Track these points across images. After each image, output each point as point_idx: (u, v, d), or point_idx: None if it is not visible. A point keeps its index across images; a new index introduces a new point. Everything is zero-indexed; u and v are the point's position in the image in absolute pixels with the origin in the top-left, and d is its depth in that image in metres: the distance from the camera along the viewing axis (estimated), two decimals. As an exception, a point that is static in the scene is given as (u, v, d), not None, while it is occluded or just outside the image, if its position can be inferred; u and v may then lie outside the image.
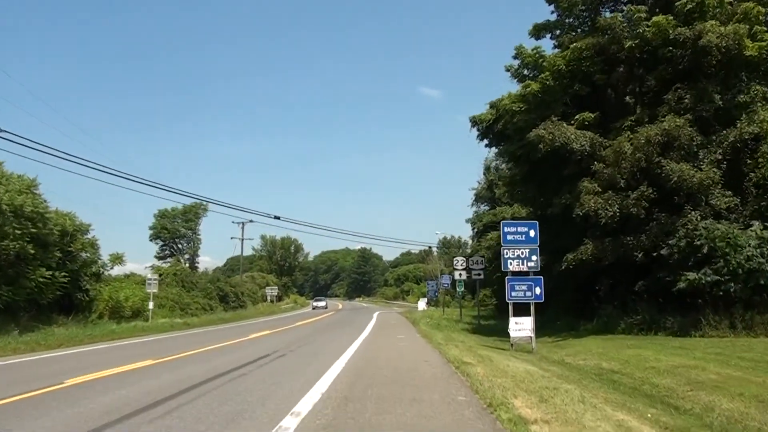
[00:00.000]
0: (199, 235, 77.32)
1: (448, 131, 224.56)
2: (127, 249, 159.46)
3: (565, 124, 22.64)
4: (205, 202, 76.36)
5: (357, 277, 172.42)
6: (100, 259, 35.94)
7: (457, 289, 33.69)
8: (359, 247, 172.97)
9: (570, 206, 22.80)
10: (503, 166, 38.09)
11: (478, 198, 60.70)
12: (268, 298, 75.92)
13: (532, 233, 17.75)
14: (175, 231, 75.71)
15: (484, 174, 53.58)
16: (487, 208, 50.03)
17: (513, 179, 30.74)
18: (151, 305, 35.35)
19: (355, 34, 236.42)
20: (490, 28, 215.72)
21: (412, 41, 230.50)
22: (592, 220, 21.39)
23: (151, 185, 32.90)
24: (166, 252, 77.58)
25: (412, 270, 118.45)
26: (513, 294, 17.65)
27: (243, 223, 71.14)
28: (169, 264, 67.21)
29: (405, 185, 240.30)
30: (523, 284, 17.64)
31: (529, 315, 17.71)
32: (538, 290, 17.62)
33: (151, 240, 76.23)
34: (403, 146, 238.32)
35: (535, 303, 17.77)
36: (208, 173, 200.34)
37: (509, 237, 17.74)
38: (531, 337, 17.62)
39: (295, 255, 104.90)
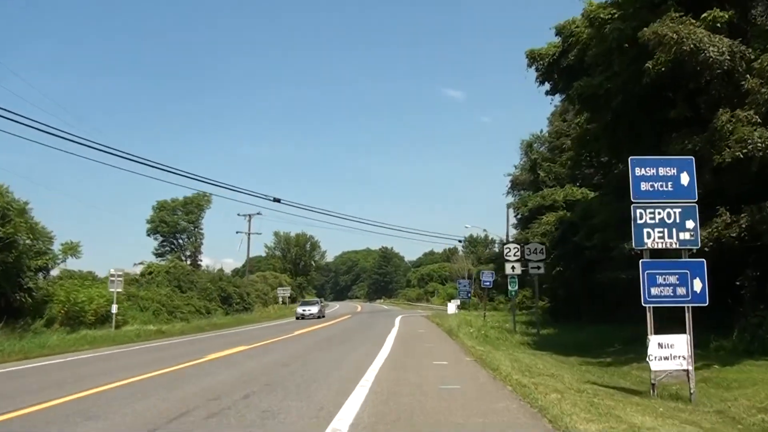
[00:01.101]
0: (201, 229, 69.91)
1: (472, 131, 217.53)
2: (126, 246, 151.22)
3: (692, 20, 14.40)
4: (208, 193, 69.32)
5: (378, 277, 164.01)
6: (50, 250, 28.87)
7: (510, 288, 25.11)
8: (380, 246, 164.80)
9: (700, 155, 14.59)
10: (571, 119, 29.81)
11: (515, 184, 52.52)
12: (280, 299, 67.94)
13: (684, 179, 9.55)
14: (175, 224, 68.36)
15: (525, 153, 45.32)
16: (528, 194, 41.50)
17: (583, 138, 22.40)
18: (114, 308, 27.96)
19: (374, 37, 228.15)
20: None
21: (434, 42, 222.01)
22: (752, 167, 13.10)
23: (147, 164, 24.70)
24: (166, 248, 70.37)
25: (436, 269, 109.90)
26: (653, 292, 9.46)
27: (249, 216, 63.34)
28: (166, 261, 60.01)
29: (428, 186, 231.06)
30: (671, 273, 9.45)
31: (681, 330, 9.51)
32: (698, 284, 9.45)
33: (148, 235, 69.07)
34: (426, 147, 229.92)
35: (692, 308, 9.58)
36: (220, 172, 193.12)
37: (644, 187, 9.54)
38: (688, 371, 9.40)
39: (311, 253, 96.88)
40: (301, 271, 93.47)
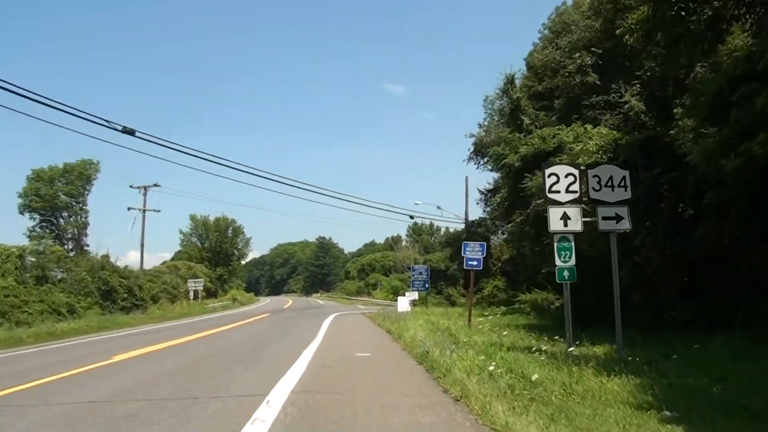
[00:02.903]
0: (85, 206, 55.69)
1: (414, 125, 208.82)
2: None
3: None
4: (95, 161, 55.46)
5: (315, 269, 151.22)
6: None
7: (561, 262, 10.26)
8: (317, 237, 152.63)
9: None
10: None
11: (480, 147, 40.94)
12: (191, 293, 54.50)
13: None
14: (53, 199, 53.97)
15: (504, 94, 33.48)
16: (518, 136, 28.35)
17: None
18: None
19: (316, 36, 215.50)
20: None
21: (378, 39, 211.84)
22: None
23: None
24: (47, 230, 55.75)
25: (378, 259, 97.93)
26: None
27: (145, 188, 49.70)
28: (31, 243, 45.53)
29: (373, 180, 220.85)
30: None
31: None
32: None
33: (21, 212, 54.29)
34: (369, 142, 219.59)
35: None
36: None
37: None
38: None
39: (233, 240, 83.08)
40: (223, 261, 79.89)
